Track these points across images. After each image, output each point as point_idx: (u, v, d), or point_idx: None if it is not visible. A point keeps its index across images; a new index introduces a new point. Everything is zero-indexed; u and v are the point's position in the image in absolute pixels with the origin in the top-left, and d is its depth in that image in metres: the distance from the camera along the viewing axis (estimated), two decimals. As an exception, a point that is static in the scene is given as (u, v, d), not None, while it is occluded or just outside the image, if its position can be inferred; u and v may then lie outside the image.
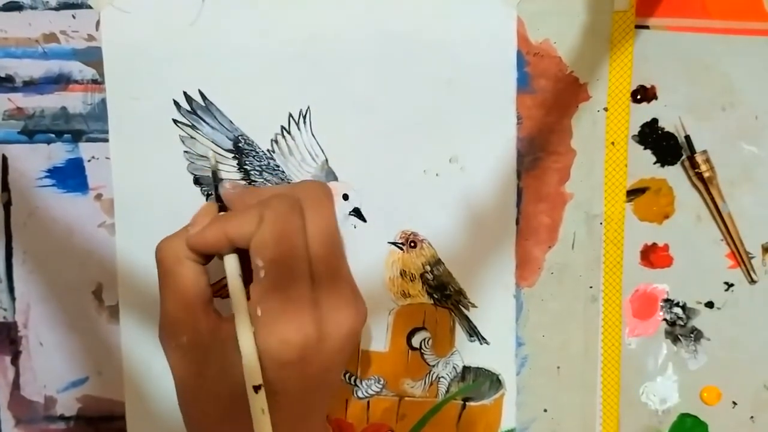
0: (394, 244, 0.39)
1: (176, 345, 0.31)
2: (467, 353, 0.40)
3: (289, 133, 0.39)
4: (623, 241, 0.39)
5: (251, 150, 0.39)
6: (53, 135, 0.39)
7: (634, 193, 0.40)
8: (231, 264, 0.32)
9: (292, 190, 0.33)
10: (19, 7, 0.38)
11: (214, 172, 0.36)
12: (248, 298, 0.31)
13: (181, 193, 0.39)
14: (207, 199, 0.39)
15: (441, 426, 0.41)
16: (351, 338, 0.32)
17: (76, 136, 0.39)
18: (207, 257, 0.33)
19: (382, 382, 0.40)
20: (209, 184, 0.38)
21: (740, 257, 0.40)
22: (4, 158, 0.39)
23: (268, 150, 0.39)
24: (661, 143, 0.39)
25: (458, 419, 0.41)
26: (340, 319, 0.32)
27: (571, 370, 0.40)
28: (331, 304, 0.31)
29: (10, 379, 0.40)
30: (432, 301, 0.40)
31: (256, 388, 0.29)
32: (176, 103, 0.38)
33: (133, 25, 0.38)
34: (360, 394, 0.40)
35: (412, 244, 0.39)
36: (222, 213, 0.34)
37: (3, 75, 0.38)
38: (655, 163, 0.40)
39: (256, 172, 0.39)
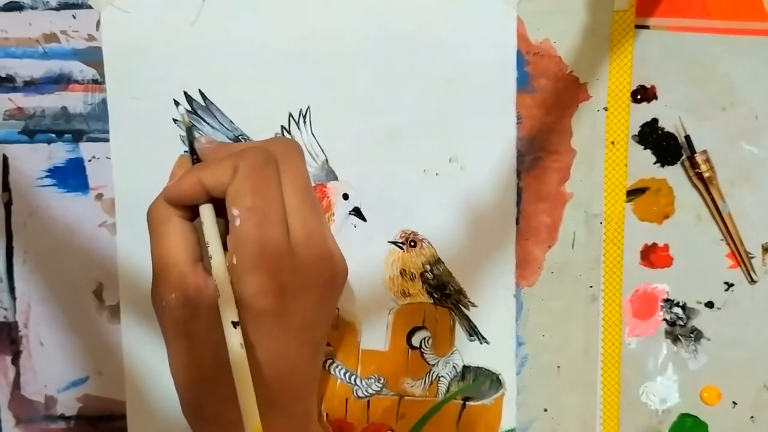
0: (394, 243, 0.39)
1: (166, 304, 0.31)
2: (467, 352, 0.40)
3: (289, 132, 0.39)
4: (623, 240, 0.39)
5: (251, 150, 0.39)
6: (54, 135, 0.39)
7: (634, 193, 0.40)
8: (207, 213, 0.32)
9: (265, 144, 0.33)
10: (19, 7, 0.38)
11: (189, 129, 0.36)
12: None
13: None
14: None
15: (441, 425, 0.41)
16: (329, 291, 0.32)
17: (77, 136, 0.39)
18: (190, 211, 0.33)
19: (382, 382, 0.40)
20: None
21: (740, 257, 0.40)
22: (5, 158, 0.39)
23: (268, 150, 0.39)
24: (661, 143, 0.39)
25: (458, 419, 0.41)
26: (317, 271, 0.32)
27: (571, 370, 0.40)
28: (309, 255, 0.31)
29: (10, 378, 0.40)
30: (432, 301, 0.40)
31: (235, 324, 0.29)
32: (176, 103, 0.38)
33: (133, 25, 0.38)
34: (360, 394, 0.40)
35: (412, 244, 0.39)
36: (197, 164, 0.34)
37: (3, 75, 0.38)
38: (655, 163, 0.40)
39: (256, 172, 0.39)
